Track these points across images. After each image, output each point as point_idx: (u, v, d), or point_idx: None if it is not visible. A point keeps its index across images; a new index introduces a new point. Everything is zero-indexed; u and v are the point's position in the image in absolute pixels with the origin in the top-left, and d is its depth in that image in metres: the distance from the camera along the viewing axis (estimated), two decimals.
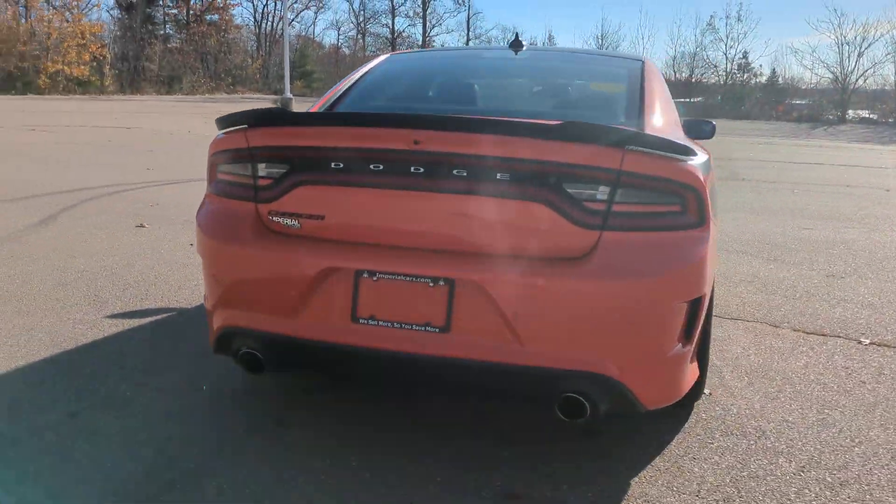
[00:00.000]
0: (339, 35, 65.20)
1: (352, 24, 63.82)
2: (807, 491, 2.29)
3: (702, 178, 2.18)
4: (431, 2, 58.68)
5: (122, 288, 4.15)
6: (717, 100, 46.47)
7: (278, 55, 65.82)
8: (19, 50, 37.07)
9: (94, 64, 39.63)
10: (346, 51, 67.26)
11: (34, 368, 2.96)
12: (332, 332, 2.23)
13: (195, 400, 2.73)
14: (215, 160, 2.47)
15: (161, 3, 61.49)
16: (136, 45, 46.84)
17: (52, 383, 2.82)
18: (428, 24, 58.37)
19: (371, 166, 2.20)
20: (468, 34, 57.57)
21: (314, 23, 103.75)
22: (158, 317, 3.70)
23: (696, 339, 2.32)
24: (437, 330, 2.15)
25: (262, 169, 2.35)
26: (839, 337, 3.86)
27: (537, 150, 2.10)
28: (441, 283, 2.14)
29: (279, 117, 2.29)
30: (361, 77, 3.22)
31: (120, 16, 53.23)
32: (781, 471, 2.41)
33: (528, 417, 2.67)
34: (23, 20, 39.75)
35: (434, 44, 57.16)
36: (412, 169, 2.16)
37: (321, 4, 74.72)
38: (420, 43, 57.46)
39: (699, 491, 2.26)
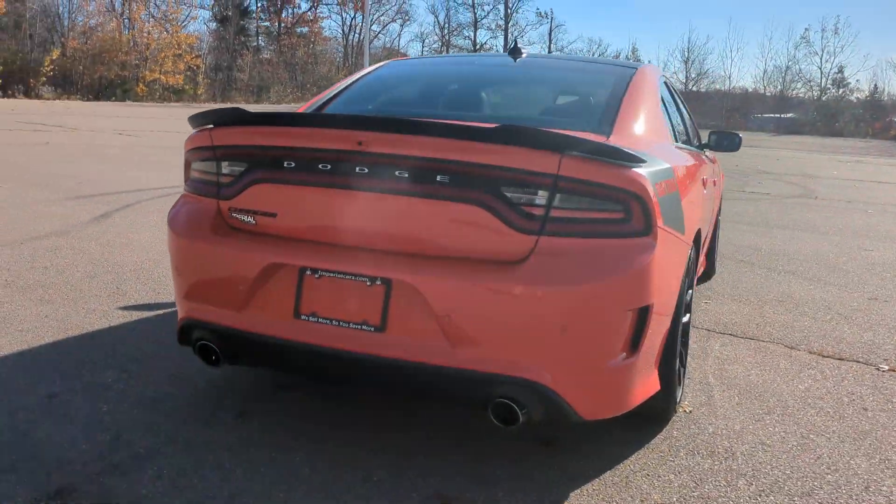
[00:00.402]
0: (423, 47, 66.01)
1: (436, 37, 64.54)
2: None
3: (649, 187, 2.12)
4: (514, 14, 58.77)
5: (144, 282, 4.34)
6: (810, 115, 44.66)
7: (363, 66, 67.28)
8: (121, 59, 39.29)
9: (189, 73, 41.52)
10: None
11: (33, 352, 3.14)
12: (276, 327, 2.28)
13: (171, 390, 2.83)
14: (188, 158, 2.57)
15: (255, 16, 63.96)
16: (228, 56, 48.85)
17: (43, 367, 2.98)
18: (510, 35, 58.42)
19: (320, 166, 2.24)
20: (549, 46, 57.29)
21: (399, 35, 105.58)
22: (168, 310, 3.85)
23: (646, 351, 2.24)
24: (373, 329, 2.17)
25: (225, 167, 2.43)
26: (858, 362, 3.65)
27: (475, 153, 2.10)
28: (378, 282, 2.16)
29: (238, 117, 2.36)
30: (354, 81, 3.29)
31: (216, 28, 55.72)
32: (737, 493, 2.30)
33: (486, 423, 2.64)
34: (126, 31, 42.07)
35: None
36: (357, 169, 2.20)
37: (407, 17, 76.05)
38: None
39: None
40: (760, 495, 2.30)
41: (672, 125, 3.22)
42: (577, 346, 2.09)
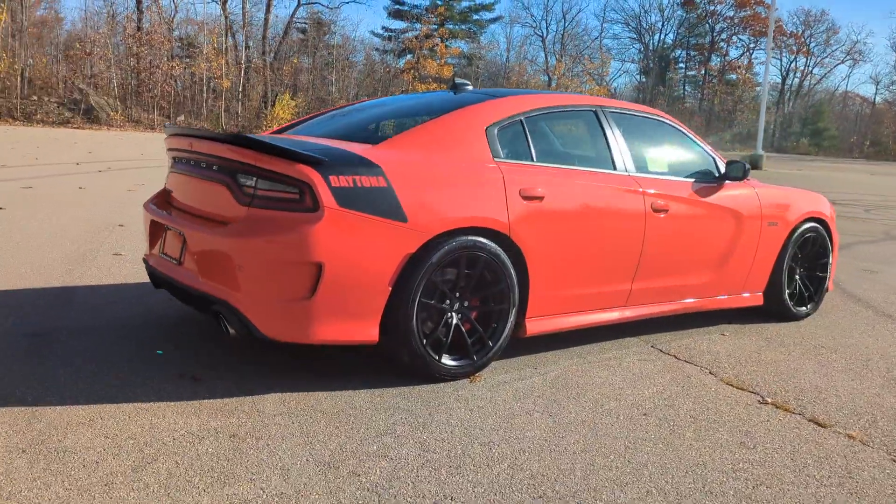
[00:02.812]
0: (877, 89, 59.23)
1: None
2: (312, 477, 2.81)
3: (316, 177, 2.97)
4: None
5: None
6: None
7: (794, 111, 63.05)
8: None
9: None
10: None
11: (124, 286, 4.97)
12: (157, 262, 3.65)
13: (161, 309, 4.35)
14: None
15: (684, 66, 64.70)
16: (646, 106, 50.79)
17: (123, 291, 4.77)
18: None
19: (183, 160, 3.57)
20: None
21: (847, 77, 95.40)
22: None
23: (330, 300, 3.02)
24: (176, 262, 3.41)
25: (169, 161, 3.90)
26: (751, 392, 3.53)
27: (225, 151, 3.21)
28: (181, 233, 3.39)
29: (168, 129, 3.81)
30: (325, 111, 4.49)
31: (640, 80, 58.28)
32: (347, 431, 2.91)
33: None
34: (552, 85, 46.95)
35: None
36: (191, 162, 3.47)
37: (859, 57, 68.86)
38: None
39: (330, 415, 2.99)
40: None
41: (532, 147, 3.70)
42: (259, 283, 3.03)
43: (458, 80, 4.27)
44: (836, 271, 6.93)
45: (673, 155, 4.47)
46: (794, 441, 2.98)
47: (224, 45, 39.50)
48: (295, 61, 40.37)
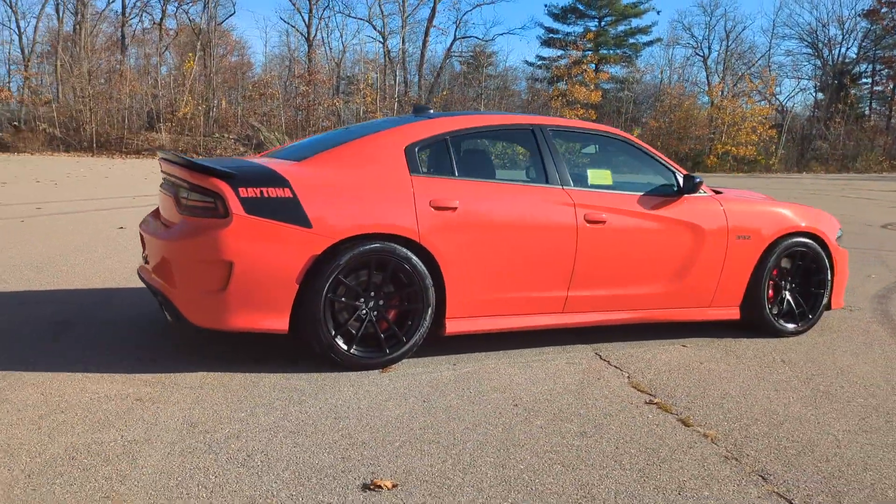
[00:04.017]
0: None
1: None
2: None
3: (226, 188, 3.54)
4: None
5: None
6: None
7: None
8: (696, 134, 42.61)
9: (761, 144, 42.15)
10: None
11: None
12: (141, 266, 4.39)
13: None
14: None
15: (870, 81, 59.78)
16: (817, 124, 47.43)
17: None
18: None
19: (162, 179, 4.30)
20: None
21: None
22: None
23: (241, 293, 3.56)
24: (146, 262, 4.11)
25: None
26: (647, 394, 3.64)
27: (172, 168, 3.88)
28: (148, 236, 4.09)
29: (161, 153, 4.55)
30: (305, 138, 5.07)
31: (817, 98, 54.46)
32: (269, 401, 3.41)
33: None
34: (705, 107, 45.25)
35: None
36: (164, 180, 4.19)
37: None
38: None
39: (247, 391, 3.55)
40: (247, 420, 3.36)
41: (455, 163, 4.06)
42: (184, 277, 3.64)
43: (417, 106, 4.72)
44: None
45: (623, 170, 4.61)
46: (637, 434, 3.12)
47: (380, 81, 41.98)
48: (445, 93, 42.06)
